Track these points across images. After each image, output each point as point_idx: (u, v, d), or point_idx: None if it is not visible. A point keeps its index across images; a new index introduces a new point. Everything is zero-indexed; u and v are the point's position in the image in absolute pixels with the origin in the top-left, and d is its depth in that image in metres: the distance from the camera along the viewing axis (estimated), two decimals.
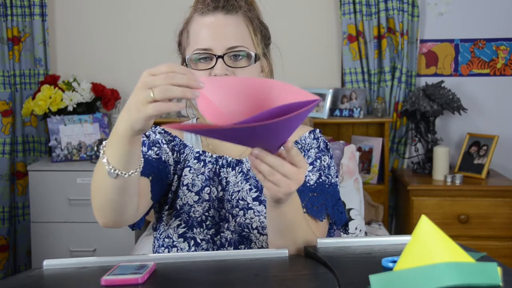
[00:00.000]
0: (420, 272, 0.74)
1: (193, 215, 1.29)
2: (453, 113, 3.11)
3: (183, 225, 1.29)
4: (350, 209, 2.69)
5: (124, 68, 3.37)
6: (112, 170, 1.01)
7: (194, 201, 1.30)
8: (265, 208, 1.22)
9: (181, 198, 1.30)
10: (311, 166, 1.29)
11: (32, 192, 2.99)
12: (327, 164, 1.31)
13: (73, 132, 3.12)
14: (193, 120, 1.43)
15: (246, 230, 1.28)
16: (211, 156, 1.33)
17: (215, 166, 1.32)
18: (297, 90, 0.94)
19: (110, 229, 2.91)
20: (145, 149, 1.30)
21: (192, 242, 1.27)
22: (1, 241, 3.29)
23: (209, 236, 1.28)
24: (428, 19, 3.28)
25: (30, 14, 3.24)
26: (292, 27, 3.28)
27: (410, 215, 2.92)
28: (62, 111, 3.11)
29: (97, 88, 3.17)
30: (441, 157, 3.01)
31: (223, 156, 1.33)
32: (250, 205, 1.29)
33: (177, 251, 1.27)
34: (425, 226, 0.79)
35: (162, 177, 1.27)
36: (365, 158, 3.23)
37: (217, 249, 1.28)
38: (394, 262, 0.92)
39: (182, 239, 1.28)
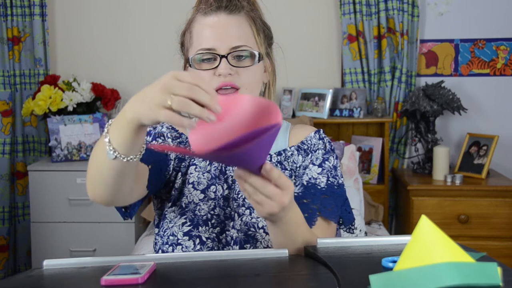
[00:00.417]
0: (420, 272, 0.74)
1: (199, 213, 1.29)
2: (453, 113, 3.11)
3: (188, 223, 1.28)
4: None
5: (124, 68, 3.37)
6: (112, 152, 1.00)
7: (199, 199, 1.30)
8: None
9: (187, 196, 1.30)
10: (320, 169, 1.30)
11: (32, 192, 2.99)
12: (333, 165, 1.32)
13: (73, 132, 3.12)
14: (196, 119, 1.43)
15: (252, 229, 1.27)
16: None
17: (221, 164, 1.32)
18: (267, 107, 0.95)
19: (110, 229, 2.93)
20: (149, 138, 1.30)
21: (197, 241, 1.27)
22: (1, 241, 3.29)
23: (214, 235, 1.28)
24: (428, 19, 3.28)
25: (30, 14, 3.24)
26: (292, 27, 3.28)
27: (410, 215, 2.92)
28: (62, 111, 3.11)
29: (97, 88, 3.17)
30: (441, 157, 3.01)
31: None
32: None
33: (181, 249, 1.27)
34: (425, 226, 0.79)
35: (161, 168, 1.27)
36: (365, 158, 3.23)
37: (222, 248, 1.28)
38: (394, 262, 0.92)
39: (187, 237, 1.28)
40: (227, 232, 1.28)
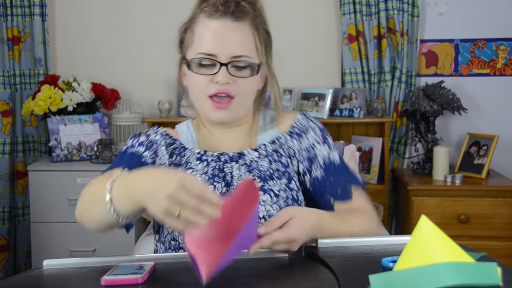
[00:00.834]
0: (420, 272, 0.74)
1: None
2: (453, 113, 3.11)
3: None
4: None
5: (124, 68, 3.37)
6: (112, 213, 1.04)
7: None
8: (270, 197, 1.25)
9: None
10: (326, 145, 1.35)
11: (32, 192, 2.99)
12: (331, 140, 1.38)
13: (73, 132, 3.12)
14: (188, 123, 1.43)
15: None
16: (213, 154, 1.33)
17: (218, 163, 1.32)
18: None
19: None
20: (142, 149, 1.31)
21: None
22: (1, 241, 3.29)
23: None
24: (428, 19, 3.28)
25: (30, 14, 3.24)
26: (292, 27, 3.28)
27: (410, 215, 2.92)
28: (62, 111, 3.11)
29: (97, 88, 3.17)
30: (441, 157, 3.00)
31: (224, 152, 1.34)
32: None
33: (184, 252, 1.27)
34: (425, 226, 0.79)
35: None
36: (365, 158, 3.23)
37: None
38: (394, 262, 0.92)
39: None
40: None
